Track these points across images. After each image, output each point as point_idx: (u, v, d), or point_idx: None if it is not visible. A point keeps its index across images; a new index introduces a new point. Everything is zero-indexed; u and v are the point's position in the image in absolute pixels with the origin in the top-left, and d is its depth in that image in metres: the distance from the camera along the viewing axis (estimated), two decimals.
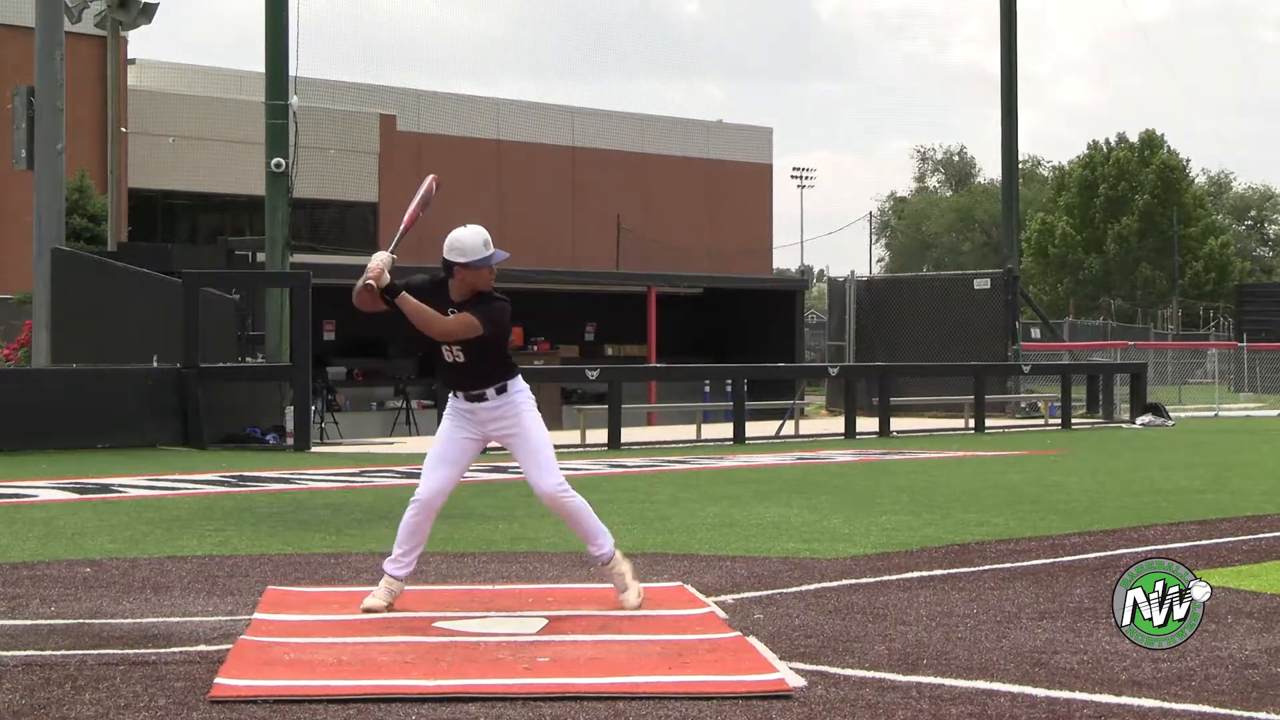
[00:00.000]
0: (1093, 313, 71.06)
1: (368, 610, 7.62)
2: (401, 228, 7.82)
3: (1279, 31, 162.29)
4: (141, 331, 22.87)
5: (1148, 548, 10.40)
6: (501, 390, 7.73)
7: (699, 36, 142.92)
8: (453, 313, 7.61)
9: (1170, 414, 31.05)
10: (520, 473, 8.03)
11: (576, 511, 7.75)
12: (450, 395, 7.85)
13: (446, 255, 7.62)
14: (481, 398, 7.73)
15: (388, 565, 7.78)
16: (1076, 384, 31.03)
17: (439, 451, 7.80)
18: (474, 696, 5.86)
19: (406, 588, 7.86)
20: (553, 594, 8.14)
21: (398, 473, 17.21)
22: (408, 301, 7.55)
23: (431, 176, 8.09)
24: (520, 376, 7.84)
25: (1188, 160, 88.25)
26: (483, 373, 7.71)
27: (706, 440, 24.21)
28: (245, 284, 25.56)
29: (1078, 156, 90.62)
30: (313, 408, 22.62)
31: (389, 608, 7.67)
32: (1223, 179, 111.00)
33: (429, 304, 7.60)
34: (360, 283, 7.48)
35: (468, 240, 7.59)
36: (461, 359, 7.69)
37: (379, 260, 7.52)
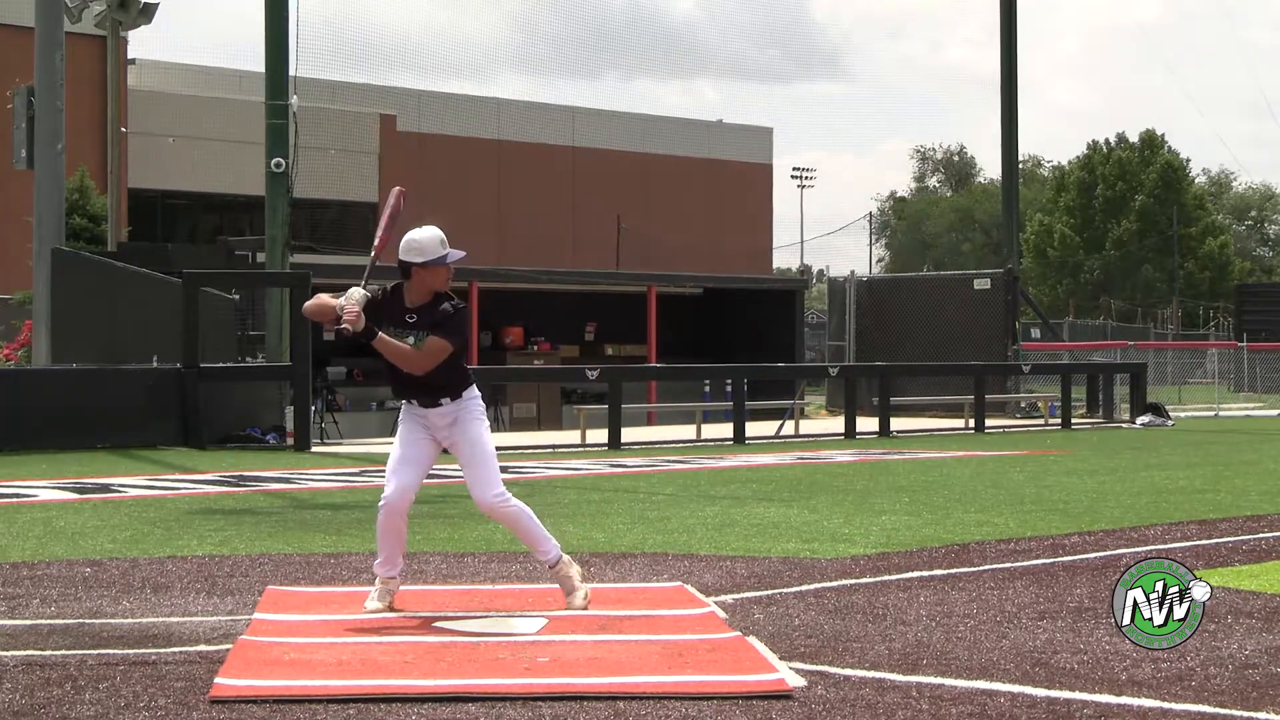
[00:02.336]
0: (1093, 313, 71.05)
1: (370, 613, 7.64)
2: (372, 256, 7.77)
3: (1278, 32, 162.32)
4: (141, 331, 22.86)
5: (1148, 548, 10.40)
6: (456, 398, 7.75)
7: (698, 36, 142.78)
8: (411, 319, 7.62)
9: (1170, 414, 31.04)
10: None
11: (517, 519, 7.76)
12: (405, 401, 7.86)
13: (403, 256, 7.63)
14: (436, 404, 7.75)
15: (378, 568, 7.82)
16: (1076, 384, 31.00)
17: (400, 454, 7.79)
18: (474, 696, 5.87)
19: (406, 587, 7.89)
20: (553, 594, 8.14)
21: None
22: (385, 343, 7.57)
23: (398, 190, 8.00)
24: (474, 385, 7.86)
25: (1188, 160, 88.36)
26: (440, 384, 7.73)
27: (706, 440, 24.20)
28: (245, 284, 25.55)
29: (1077, 157, 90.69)
30: (313, 408, 22.61)
31: (389, 607, 7.70)
32: (1223, 179, 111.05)
33: (384, 315, 7.60)
34: (341, 325, 7.46)
35: (425, 240, 7.61)
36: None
37: (355, 301, 7.48)
